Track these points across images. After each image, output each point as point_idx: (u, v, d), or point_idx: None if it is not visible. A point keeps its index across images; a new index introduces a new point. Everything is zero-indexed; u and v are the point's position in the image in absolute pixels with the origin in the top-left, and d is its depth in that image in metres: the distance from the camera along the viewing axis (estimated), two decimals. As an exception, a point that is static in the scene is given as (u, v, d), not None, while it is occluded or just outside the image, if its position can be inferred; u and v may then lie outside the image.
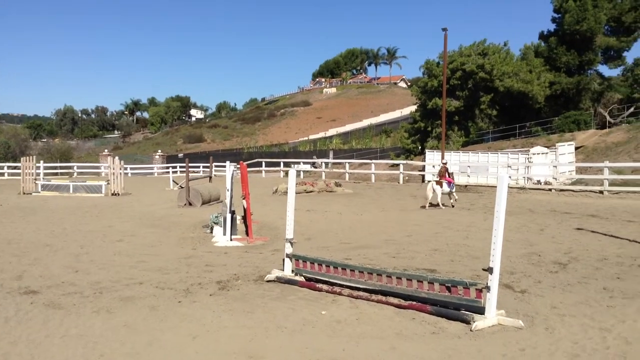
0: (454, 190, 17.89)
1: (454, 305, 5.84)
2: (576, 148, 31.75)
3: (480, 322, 5.49)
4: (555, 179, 25.66)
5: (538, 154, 29.01)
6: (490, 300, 5.60)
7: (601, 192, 20.70)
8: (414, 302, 6.07)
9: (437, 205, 16.83)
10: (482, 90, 38.61)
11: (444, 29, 31.32)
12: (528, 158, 28.04)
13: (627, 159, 27.33)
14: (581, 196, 20.44)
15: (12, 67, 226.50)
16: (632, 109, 37.71)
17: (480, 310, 5.63)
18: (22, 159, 25.30)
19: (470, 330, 5.40)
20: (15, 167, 35.35)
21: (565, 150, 30.35)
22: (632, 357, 4.69)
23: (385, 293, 6.35)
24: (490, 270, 5.60)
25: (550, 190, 22.67)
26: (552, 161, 28.10)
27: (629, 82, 40.87)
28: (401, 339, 5.20)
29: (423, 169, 32.26)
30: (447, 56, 33.77)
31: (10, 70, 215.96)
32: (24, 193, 22.87)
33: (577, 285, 7.18)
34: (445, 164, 19.37)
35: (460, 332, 5.40)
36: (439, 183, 17.37)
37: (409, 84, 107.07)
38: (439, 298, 5.92)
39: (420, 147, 39.86)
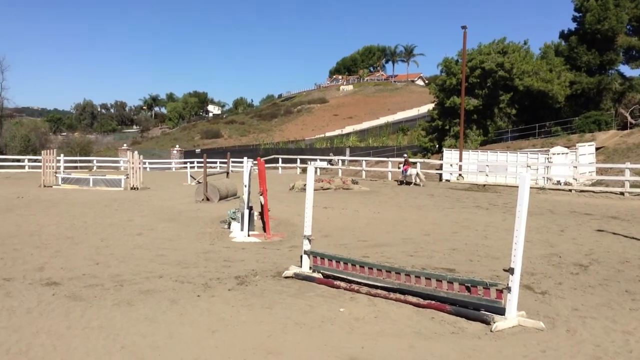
0: (408, 173, 24.75)
1: (473, 305, 5.80)
2: (597, 149, 31.40)
3: (500, 323, 5.45)
4: (576, 179, 25.39)
5: (558, 154, 28.75)
6: (511, 301, 5.56)
7: (622, 193, 20.41)
8: (433, 302, 6.04)
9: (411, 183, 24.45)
10: (502, 89, 38.32)
11: (464, 27, 31.16)
12: (548, 158, 27.79)
13: (649, 161, 26.93)
14: (602, 197, 20.18)
15: (32, 61, 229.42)
16: (654, 110, 37.16)
17: (501, 311, 5.60)
18: (42, 152, 25.60)
19: (491, 331, 5.36)
20: (35, 160, 35.83)
21: (586, 150, 30.04)
22: (656, 362, 4.63)
23: (403, 292, 6.33)
24: (511, 270, 5.56)
25: (570, 191, 22.42)
26: (572, 162, 27.82)
27: (651, 83, 40.30)
28: (420, 338, 5.18)
29: (440, 167, 32.08)
30: (466, 54, 33.53)
31: (30, 64, 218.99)
32: (44, 186, 23.15)
33: (598, 287, 7.10)
34: (406, 155, 28.02)
35: (480, 333, 5.37)
36: (406, 169, 25.02)
37: (426, 81, 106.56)
38: (459, 298, 5.89)
39: (437, 146, 39.71)
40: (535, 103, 39.29)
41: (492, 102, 38.79)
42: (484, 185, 25.61)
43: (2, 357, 4.57)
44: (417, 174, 24.54)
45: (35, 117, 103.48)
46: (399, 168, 26.49)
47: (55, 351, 4.74)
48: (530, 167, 26.49)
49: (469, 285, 5.83)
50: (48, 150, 25.45)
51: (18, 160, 39.28)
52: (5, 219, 13.09)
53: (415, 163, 27.30)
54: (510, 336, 5.27)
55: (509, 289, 5.55)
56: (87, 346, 4.86)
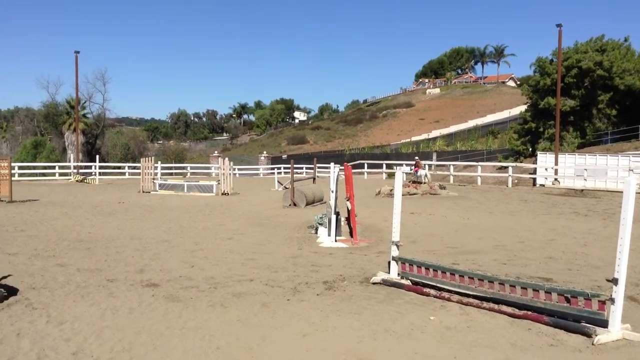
0: (419, 174, 26.46)
1: (573, 317, 5.50)
2: None
3: (603, 336, 5.14)
4: (685, 184, 23.48)
5: (664, 156, 26.73)
6: (615, 313, 5.22)
7: None
8: (530, 312, 5.78)
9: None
10: (600, 88, 36.20)
11: (559, 25, 29.84)
12: (653, 161, 25.90)
13: None
14: None
15: (131, 73, 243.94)
16: None
17: (603, 324, 5.27)
18: (141, 159, 27.12)
19: (592, 344, 5.06)
20: (134, 167, 38.01)
21: (696, 152, 27.74)
22: None
23: (497, 301, 6.11)
24: (615, 281, 5.23)
25: (679, 196, 20.79)
26: (681, 164, 25.75)
27: None
28: (516, 350, 4.97)
29: (534, 172, 30.78)
30: (561, 53, 32.00)
31: (129, 76, 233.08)
32: (143, 192, 24.49)
33: None
34: (417, 158, 29.57)
35: (581, 346, 5.08)
36: (416, 170, 27.07)
37: (518, 83, 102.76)
38: (557, 309, 5.60)
39: (530, 149, 38.10)
40: (637, 103, 36.76)
41: (589, 103, 36.73)
42: (582, 190, 24.31)
43: (106, 355, 4.84)
44: (426, 175, 27.40)
45: (134, 126, 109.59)
46: (410, 170, 30.63)
47: (156, 350, 4.97)
48: (633, 170, 24.83)
49: (569, 295, 5.53)
50: (146, 158, 26.92)
51: (119, 168, 41.86)
52: (108, 222, 13.97)
53: (424, 166, 31.34)
54: (614, 350, 4.96)
55: (612, 300, 5.22)
56: (185, 346, 5.07)
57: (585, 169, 27.24)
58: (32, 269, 8.33)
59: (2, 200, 18.79)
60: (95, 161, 36.38)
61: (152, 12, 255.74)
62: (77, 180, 32.72)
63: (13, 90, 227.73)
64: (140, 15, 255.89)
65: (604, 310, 5.27)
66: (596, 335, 5.15)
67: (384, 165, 39.35)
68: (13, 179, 21.24)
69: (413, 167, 29.61)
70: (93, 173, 35.08)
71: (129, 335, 5.35)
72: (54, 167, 37.10)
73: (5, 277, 7.62)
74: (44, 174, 36.57)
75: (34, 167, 38.72)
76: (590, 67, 35.18)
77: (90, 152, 52.17)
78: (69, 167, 37.01)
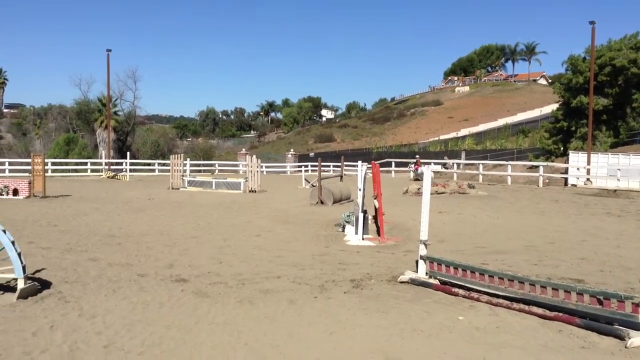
0: (419, 172, 28.42)
1: (605, 319, 5.39)
2: None
3: (636, 339, 5.01)
4: None
5: (702, 156, 26.00)
6: (649, 315, 5.10)
7: None
8: (561, 314, 5.68)
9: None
10: (635, 87, 35.37)
11: (592, 22, 29.24)
12: (690, 161, 25.21)
13: None
14: None
15: (161, 72, 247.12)
16: None
17: (637, 327, 5.15)
18: (171, 156, 27.44)
19: (625, 347, 4.95)
20: (164, 164, 38.49)
21: None
22: None
23: (527, 302, 6.02)
24: (649, 283, 5.10)
25: None
26: None
27: None
28: (547, 352, 4.88)
29: (566, 171, 30.23)
30: (594, 51, 31.35)
31: (159, 74, 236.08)
32: (172, 188, 24.79)
33: None
34: (418, 157, 32.95)
35: (614, 349, 4.97)
36: (417, 168, 29.80)
37: (549, 81, 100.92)
38: (589, 311, 5.49)
39: (562, 148, 37.43)
40: (673, 101, 35.82)
41: (623, 102, 35.91)
42: (615, 190, 23.78)
43: (137, 348, 4.91)
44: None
45: (164, 123, 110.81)
46: (410, 167, 32.50)
47: (185, 344, 5.03)
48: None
49: (601, 297, 5.42)
50: (175, 155, 27.23)
51: (149, 164, 42.47)
52: (138, 218, 14.18)
53: (425, 164, 34.65)
54: (648, 354, 4.84)
55: (646, 303, 5.10)
56: (214, 341, 5.12)
57: (619, 169, 26.65)
58: (65, 263, 8.51)
59: (36, 196, 19.25)
60: (126, 158, 36.98)
61: (181, 11, 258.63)
62: (108, 177, 33.31)
63: (46, 87, 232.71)
64: (170, 14, 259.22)
65: (638, 312, 5.15)
66: (629, 338, 5.04)
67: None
68: (46, 174, 21.72)
69: (414, 165, 31.21)
70: (124, 169, 35.68)
71: (160, 330, 5.42)
72: (85, 164, 37.85)
73: (39, 271, 7.80)
74: (76, 170, 37.34)
75: (67, 164, 39.53)
76: (624, 65, 34.39)
77: (121, 149, 52.98)
78: (100, 164, 37.68)
